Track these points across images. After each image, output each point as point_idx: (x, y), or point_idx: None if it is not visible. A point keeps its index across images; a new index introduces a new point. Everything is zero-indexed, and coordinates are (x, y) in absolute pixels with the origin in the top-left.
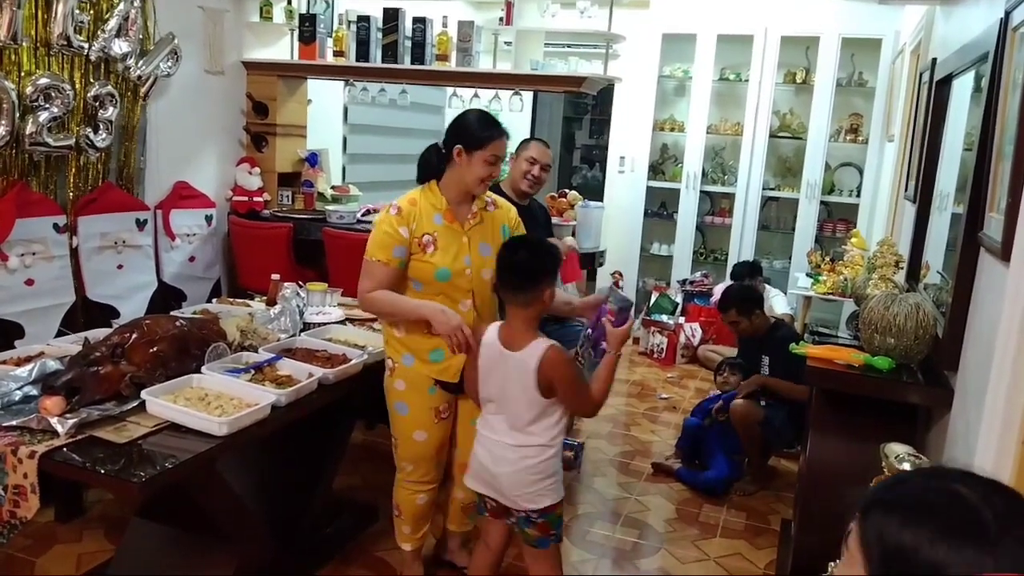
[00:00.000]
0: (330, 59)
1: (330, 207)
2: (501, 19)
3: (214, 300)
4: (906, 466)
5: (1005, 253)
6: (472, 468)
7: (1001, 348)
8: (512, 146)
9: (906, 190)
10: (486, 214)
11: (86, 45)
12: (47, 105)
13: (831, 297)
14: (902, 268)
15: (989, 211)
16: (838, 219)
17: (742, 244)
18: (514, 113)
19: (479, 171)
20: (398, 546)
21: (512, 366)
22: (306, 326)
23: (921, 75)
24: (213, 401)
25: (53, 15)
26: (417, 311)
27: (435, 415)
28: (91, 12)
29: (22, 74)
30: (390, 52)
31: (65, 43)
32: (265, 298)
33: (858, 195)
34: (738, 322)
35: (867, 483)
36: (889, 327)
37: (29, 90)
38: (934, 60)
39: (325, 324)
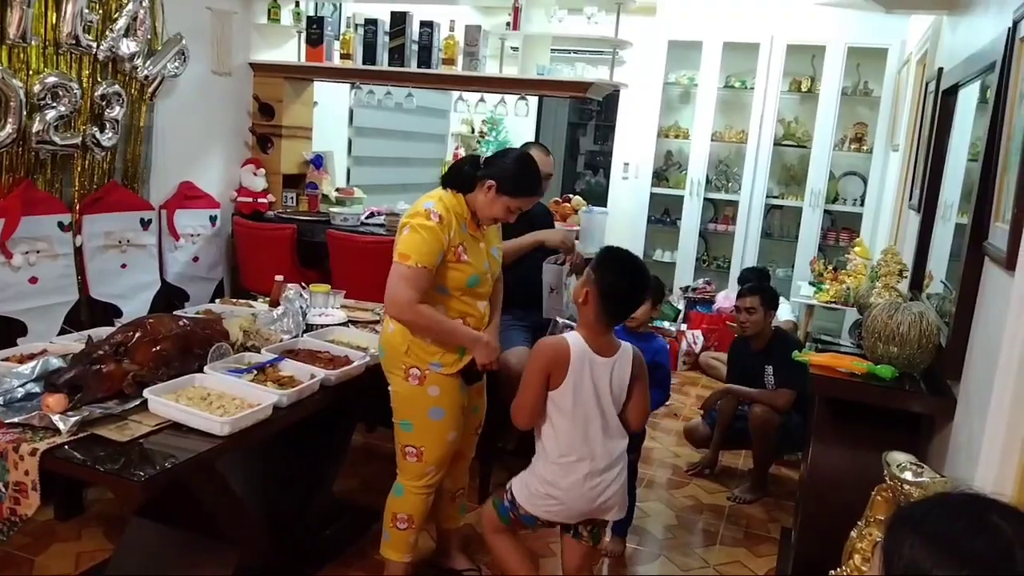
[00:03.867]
0: (337, 62)
1: (334, 209)
2: (508, 24)
3: (217, 300)
4: (908, 475)
5: (1010, 263)
6: (571, 507)
7: (1005, 358)
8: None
9: (910, 199)
10: (489, 229)
11: (94, 44)
12: (54, 104)
13: (834, 306)
14: (906, 277)
15: (994, 221)
16: (841, 228)
17: (745, 252)
18: (519, 118)
19: (497, 212)
20: (393, 560)
21: (607, 371)
22: (309, 327)
23: (927, 85)
24: (215, 401)
25: (62, 14)
26: (460, 336)
27: (462, 412)
28: (100, 12)
29: (30, 72)
30: (397, 55)
31: (74, 42)
32: (268, 299)
33: (862, 204)
34: (754, 311)
35: (869, 491)
36: (892, 336)
37: (37, 88)
38: (940, 70)
39: (328, 326)
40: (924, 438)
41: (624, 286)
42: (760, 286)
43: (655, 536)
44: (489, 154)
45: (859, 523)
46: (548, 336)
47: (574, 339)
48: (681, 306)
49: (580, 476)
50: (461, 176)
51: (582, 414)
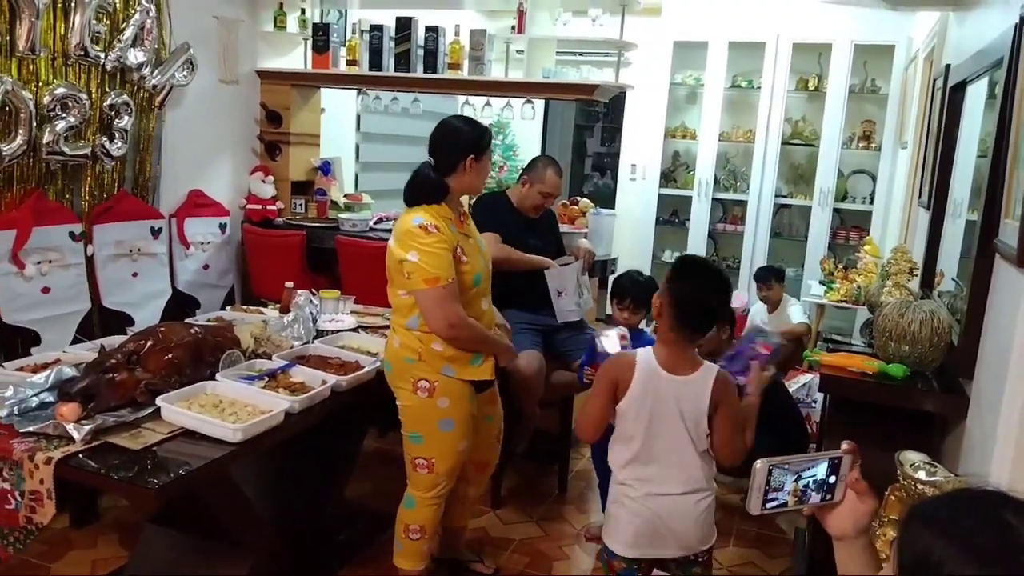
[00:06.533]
0: (343, 68)
1: (343, 215)
2: (513, 27)
3: (228, 308)
4: (922, 474)
5: (1021, 260)
6: (633, 535)
7: (1017, 355)
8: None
9: (920, 197)
10: (467, 221)
11: (102, 55)
12: (64, 114)
13: (844, 305)
14: (916, 275)
15: (1004, 217)
16: (851, 226)
17: (755, 252)
18: (526, 121)
19: (486, 171)
20: (407, 570)
21: (677, 393)
22: (319, 333)
23: (934, 81)
24: (227, 408)
25: (71, 26)
26: (496, 346)
27: (472, 421)
28: (107, 22)
29: (40, 84)
30: (402, 61)
31: (82, 53)
32: (279, 305)
33: (871, 202)
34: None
35: (882, 492)
36: (904, 334)
37: (46, 100)
38: (947, 66)
39: (338, 331)
40: (937, 437)
41: (701, 295)
42: (771, 270)
43: None
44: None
45: (873, 523)
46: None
47: (644, 354)
48: None
49: (641, 493)
50: (430, 187)
51: (644, 431)
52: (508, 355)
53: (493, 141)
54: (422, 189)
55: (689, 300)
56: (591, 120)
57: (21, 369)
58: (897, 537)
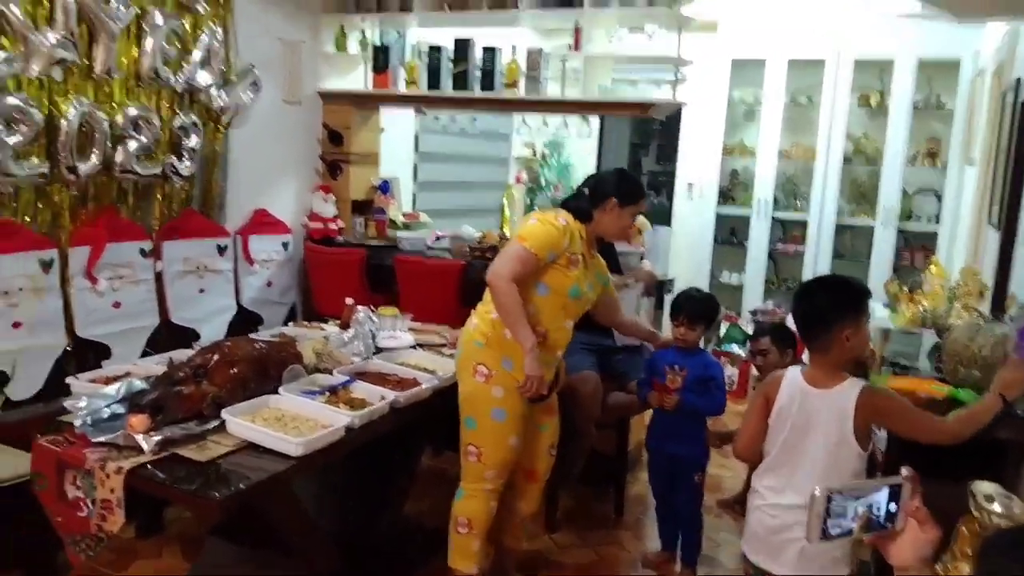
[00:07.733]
0: (402, 88)
1: (401, 234)
2: (569, 46)
3: (290, 324)
4: (996, 506)
5: None
6: (754, 540)
7: None
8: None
9: (990, 216)
10: (597, 257)
11: (172, 77)
12: (136, 135)
13: (911, 330)
14: (986, 297)
15: None
16: (916, 247)
17: (815, 273)
18: (581, 139)
19: (625, 222)
20: (459, 571)
21: (819, 406)
22: (378, 350)
23: (1004, 96)
24: (289, 422)
25: (143, 49)
26: (522, 332)
27: (524, 420)
28: (178, 45)
29: (114, 105)
30: (460, 81)
31: (154, 75)
32: (339, 322)
33: (937, 222)
34: (767, 352)
35: (951, 524)
36: (974, 359)
37: (120, 120)
38: (1019, 80)
39: (396, 349)
40: (1011, 467)
41: (796, 307)
42: (771, 326)
43: (726, 565)
44: (580, 185)
45: (943, 557)
46: None
47: (794, 369)
48: (750, 330)
49: (768, 502)
50: (577, 206)
51: (782, 442)
52: (531, 361)
53: (549, 160)
54: (569, 205)
55: (794, 314)
56: (646, 138)
57: (94, 381)
58: (975, 571)
